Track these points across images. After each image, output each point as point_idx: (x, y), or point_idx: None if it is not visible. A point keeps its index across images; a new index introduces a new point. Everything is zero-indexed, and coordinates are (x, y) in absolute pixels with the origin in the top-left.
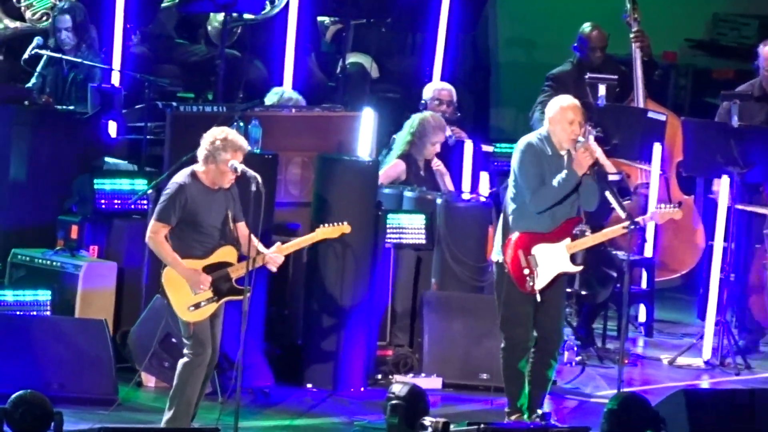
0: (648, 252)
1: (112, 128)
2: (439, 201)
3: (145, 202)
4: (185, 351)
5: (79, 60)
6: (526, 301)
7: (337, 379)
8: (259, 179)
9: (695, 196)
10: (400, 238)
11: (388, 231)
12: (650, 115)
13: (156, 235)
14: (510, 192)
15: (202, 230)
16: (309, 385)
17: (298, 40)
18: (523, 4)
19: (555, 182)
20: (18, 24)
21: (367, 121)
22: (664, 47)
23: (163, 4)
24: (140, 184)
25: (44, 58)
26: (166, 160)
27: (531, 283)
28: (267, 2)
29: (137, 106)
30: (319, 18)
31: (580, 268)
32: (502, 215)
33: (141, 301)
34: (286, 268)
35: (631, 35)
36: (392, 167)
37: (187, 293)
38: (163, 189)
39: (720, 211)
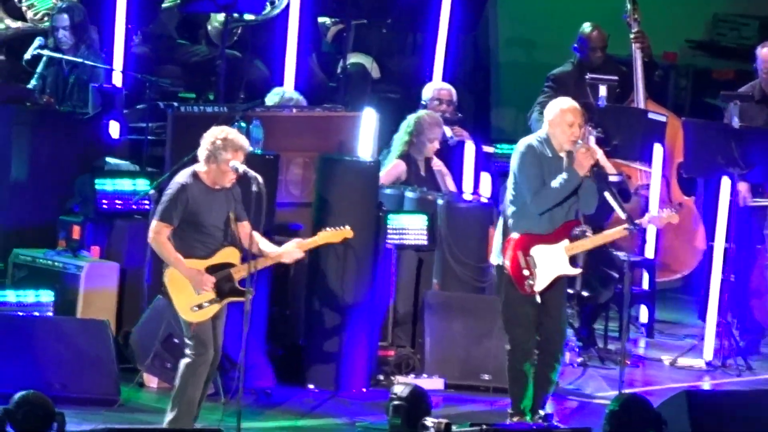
0: (649, 253)
1: (114, 128)
2: (440, 202)
3: (146, 202)
4: (187, 351)
5: (80, 60)
6: (525, 302)
7: (339, 380)
8: (260, 180)
9: (695, 197)
10: (401, 239)
11: (390, 232)
12: (650, 115)
13: (158, 235)
14: (509, 194)
15: (204, 230)
16: (311, 386)
17: (299, 41)
18: (524, 4)
19: (556, 183)
20: (19, 24)
21: (368, 121)
22: (664, 48)
23: (163, 5)
24: (142, 185)
25: (44, 58)
26: (168, 161)
27: (530, 283)
28: (267, 3)
29: (138, 107)
30: (320, 18)
31: (579, 270)
32: (501, 218)
33: (143, 301)
34: (288, 269)
35: (632, 36)
36: (393, 168)
37: (189, 293)
38: (165, 189)
39: (720, 212)
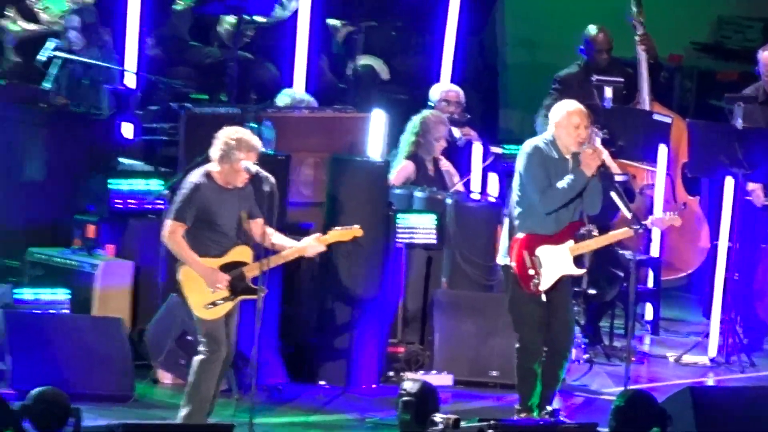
0: (654, 252)
1: (128, 129)
2: (449, 201)
3: (161, 202)
4: (200, 348)
5: (93, 62)
6: (531, 301)
7: (349, 377)
8: (272, 180)
9: (700, 197)
10: (411, 238)
11: (399, 231)
12: (656, 117)
13: (173, 234)
14: (515, 195)
15: (218, 229)
16: (322, 382)
17: (310, 43)
18: (531, 5)
19: (564, 183)
20: (33, 26)
21: (377, 122)
22: (669, 50)
23: (176, 7)
24: (155, 185)
25: (58, 60)
26: (181, 160)
27: (536, 282)
28: (276, 4)
29: (151, 108)
30: (330, 21)
31: (583, 271)
32: (507, 219)
33: (157, 299)
34: (299, 267)
35: (637, 38)
36: (402, 169)
37: (203, 291)
38: (178, 189)
39: (724, 212)
